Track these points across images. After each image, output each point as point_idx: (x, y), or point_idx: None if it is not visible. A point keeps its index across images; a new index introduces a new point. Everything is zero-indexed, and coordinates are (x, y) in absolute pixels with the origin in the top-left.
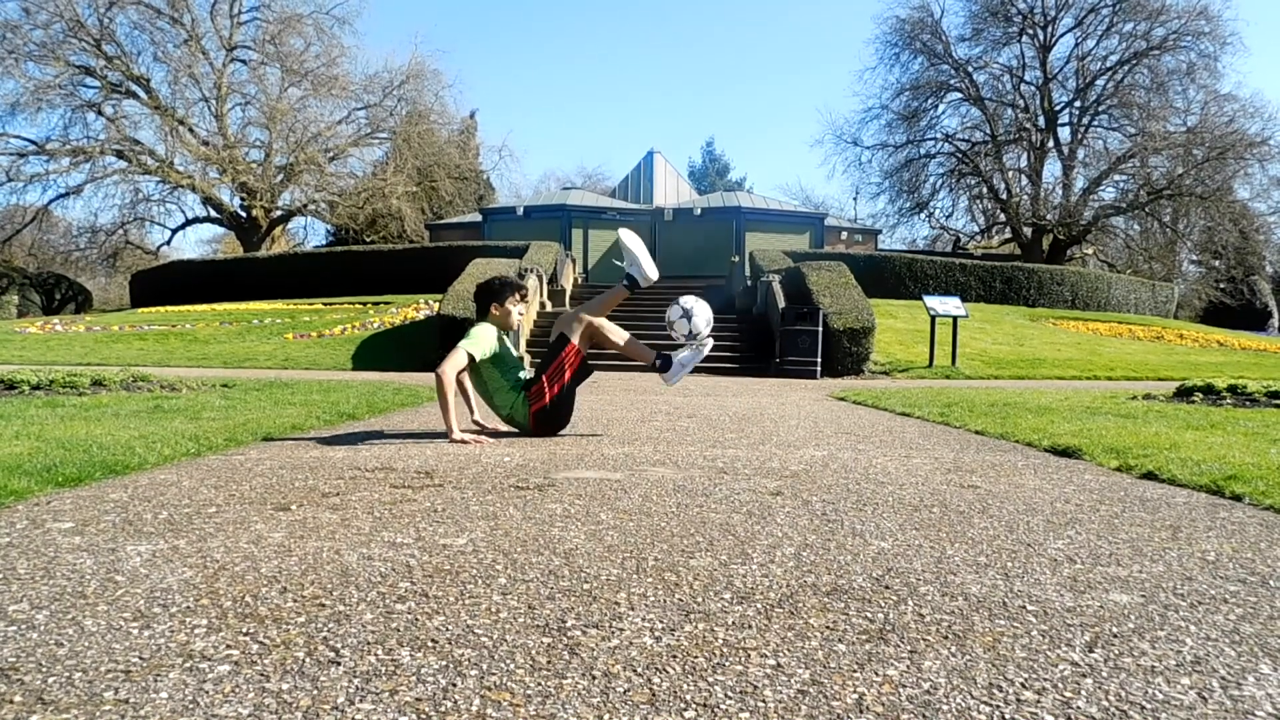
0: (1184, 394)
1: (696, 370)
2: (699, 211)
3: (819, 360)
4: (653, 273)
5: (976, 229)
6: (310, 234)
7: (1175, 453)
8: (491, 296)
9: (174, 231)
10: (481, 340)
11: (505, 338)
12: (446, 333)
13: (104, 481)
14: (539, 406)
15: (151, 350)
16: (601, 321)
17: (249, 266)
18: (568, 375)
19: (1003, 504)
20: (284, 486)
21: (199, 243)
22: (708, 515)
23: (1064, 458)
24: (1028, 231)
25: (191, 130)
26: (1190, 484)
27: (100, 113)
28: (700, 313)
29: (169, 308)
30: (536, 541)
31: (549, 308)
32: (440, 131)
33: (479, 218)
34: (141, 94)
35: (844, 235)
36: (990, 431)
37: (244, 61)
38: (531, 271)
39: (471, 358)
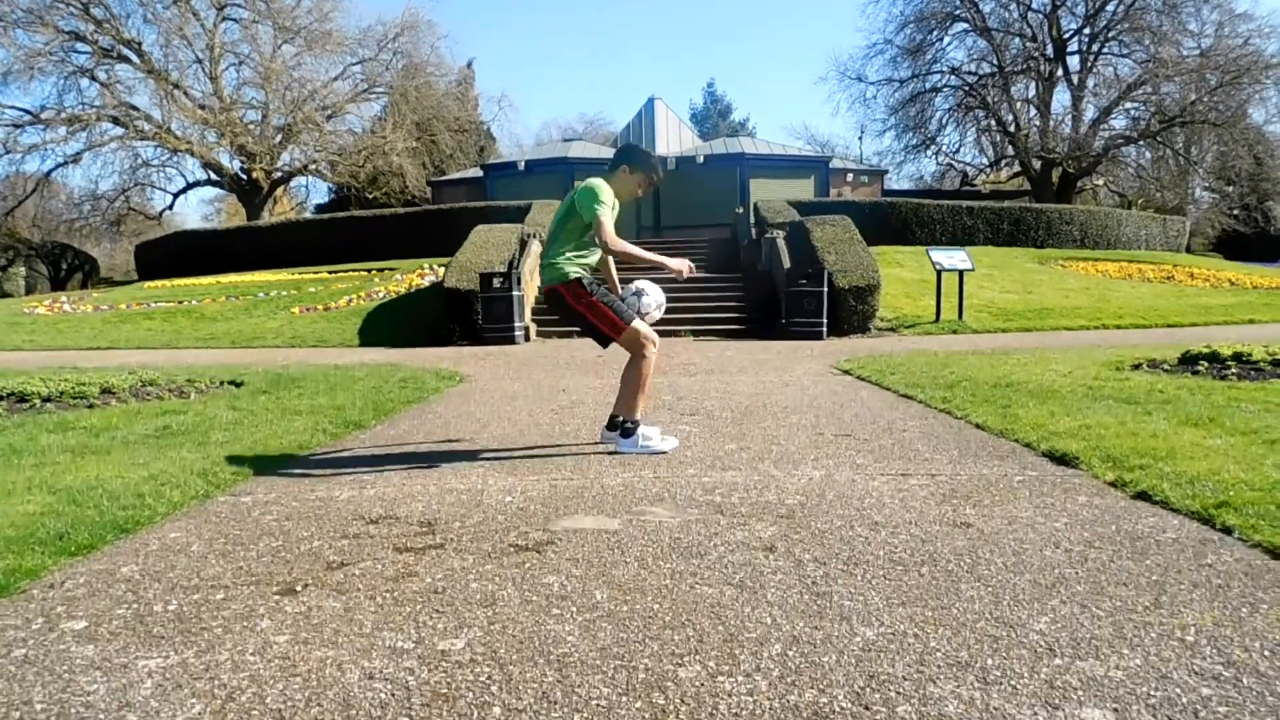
0: (1189, 362)
1: (706, 335)
2: (702, 159)
3: (824, 321)
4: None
5: (985, 163)
6: (312, 193)
7: (1171, 464)
8: (632, 160)
9: (175, 196)
10: (604, 194)
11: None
12: (452, 305)
13: (116, 545)
14: (560, 294)
15: (159, 331)
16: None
17: (252, 235)
18: (593, 319)
19: (992, 555)
20: (289, 552)
21: (202, 203)
22: (700, 591)
23: (1061, 466)
24: (1037, 165)
25: (186, 93)
26: (1182, 509)
27: (94, 78)
28: (650, 293)
29: (175, 281)
30: (532, 643)
31: None
32: (438, 84)
33: (480, 173)
34: (134, 58)
35: (849, 178)
36: (990, 426)
37: (235, 20)
38: (534, 237)
39: (608, 210)
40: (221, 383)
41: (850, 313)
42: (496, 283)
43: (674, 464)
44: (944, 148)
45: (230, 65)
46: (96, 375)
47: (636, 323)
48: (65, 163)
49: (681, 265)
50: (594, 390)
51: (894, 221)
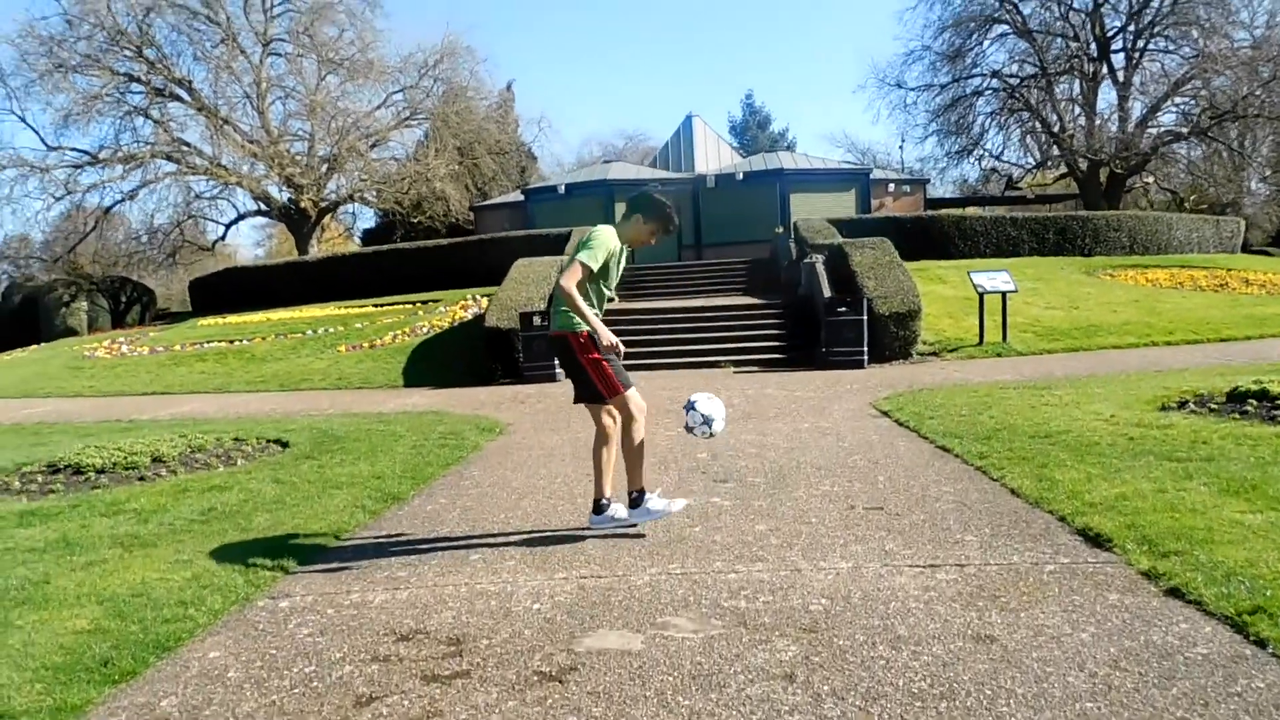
0: (1237, 399)
1: (745, 365)
2: (741, 176)
3: (865, 349)
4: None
5: (1030, 165)
6: (360, 218)
7: (1207, 551)
8: (644, 210)
9: (227, 227)
10: (599, 248)
11: (620, 258)
12: (493, 345)
13: (157, 668)
14: (569, 343)
15: (212, 373)
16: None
17: (299, 270)
18: (593, 376)
19: (1014, 685)
20: (321, 681)
21: (254, 229)
22: None
23: (1094, 549)
24: (1083, 165)
25: (236, 128)
26: (1216, 611)
27: (148, 117)
28: (718, 418)
29: (227, 318)
30: None
31: None
32: (478, 108)
33: (521, 197)
34: (185, 95)
35: (891, 188)
36: (1026, 493)
37: (281, 55)
38: (626, 255)
39: (589, 269)
40: (268, 442)
41: (892, 339)
42: (536, 320)
43: (702, 555)
44: (988, 152)
45: (277, 99)
46: (147, 441)
47: (632, 391)
48: (122, 200)
49: (612, 344)
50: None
51: (936, 235)
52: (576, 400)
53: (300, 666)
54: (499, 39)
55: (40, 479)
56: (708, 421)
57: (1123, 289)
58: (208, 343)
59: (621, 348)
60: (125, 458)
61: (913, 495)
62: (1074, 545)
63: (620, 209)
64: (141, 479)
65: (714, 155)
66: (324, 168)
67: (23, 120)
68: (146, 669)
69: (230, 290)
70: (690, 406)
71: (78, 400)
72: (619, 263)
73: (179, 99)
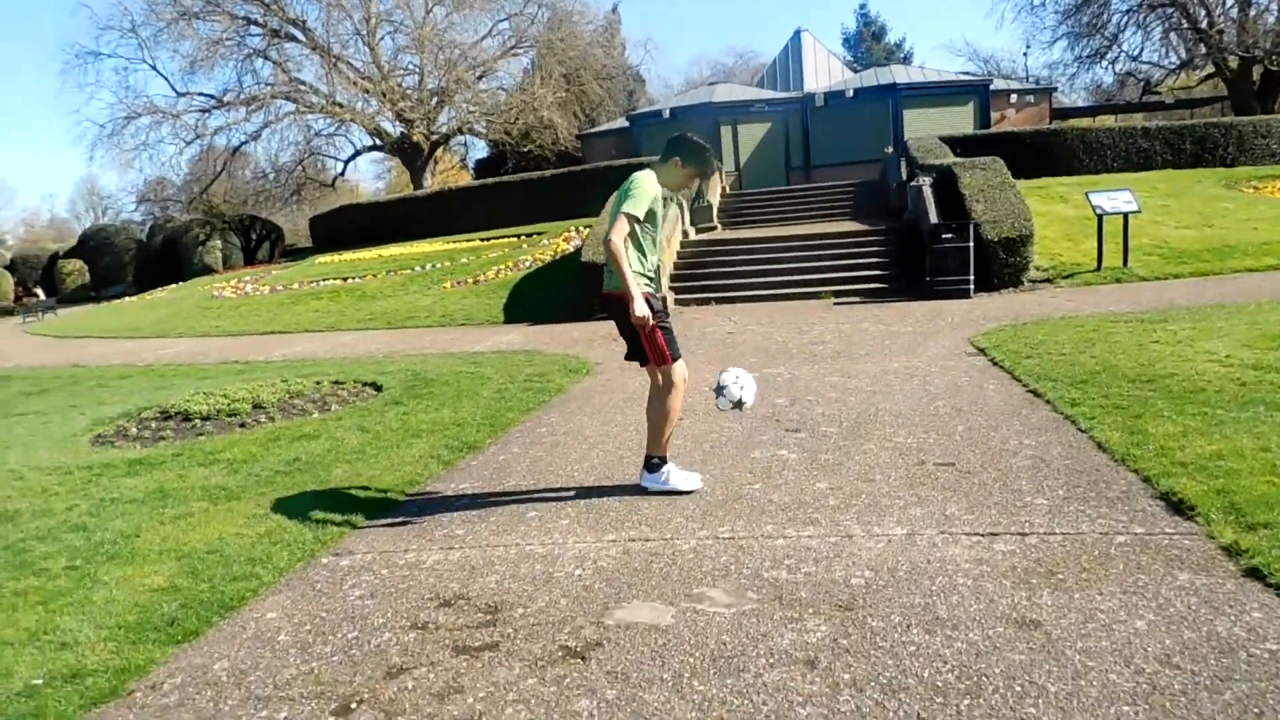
0: None
1: (847, 296)
2: (851, 93)
3: (971, 278)
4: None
5: (1172, 65)
6: (472, 150)
7: None
8: (683, 153)
9: (345, 163)
10: (642, 197)
11: (665, 201)
12: (586, 279)
13: (219, 628)
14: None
15: (325, 312)
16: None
17: (410, 206)
18: (644, 339)
19: (1047, 681)
20: (360, 649)
21: (374, 163)
22: None
23: (1175, 517)
24: (1233, 64)
25: (348, 64)
26: None
27: (266, 58)
28: (747, 400)
29: (343, 255)
30: None
31: (692, 235)
32: (583, 32)
33: (626, 123)
34: (299, 35)
35: (1013, 99)
36: (1113, 447)
37: None
38: (671, 200)
39: (635, 218)
40: (363, 385)
41: (1001, 266)
42: None
43: (756, 516)
44: (1124, 53)
45: (386, 34)
46: (251, 388)
47: (680, 362)
48: (247, 140)
49: (643, 318)
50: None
51: (1059, 150)
52: (628, 358)
53: (344, 632)
54: None
55: (154, 425)
56: (739, 404)
57: (1268, 204)
58: (323, 280)
59: (651, 321)
60: (229, 405)
61: (990, 449)
62: (1153, 512)
63: (726, 132)
64: (242, 425)
65: (824, 72)
66: (434, 100)
67: (154, 68)
68: (209, 629)
69: (346, 226)
70: (720, 390)
71: (205, 340)
72: (665, 207)
73: (294, 39)
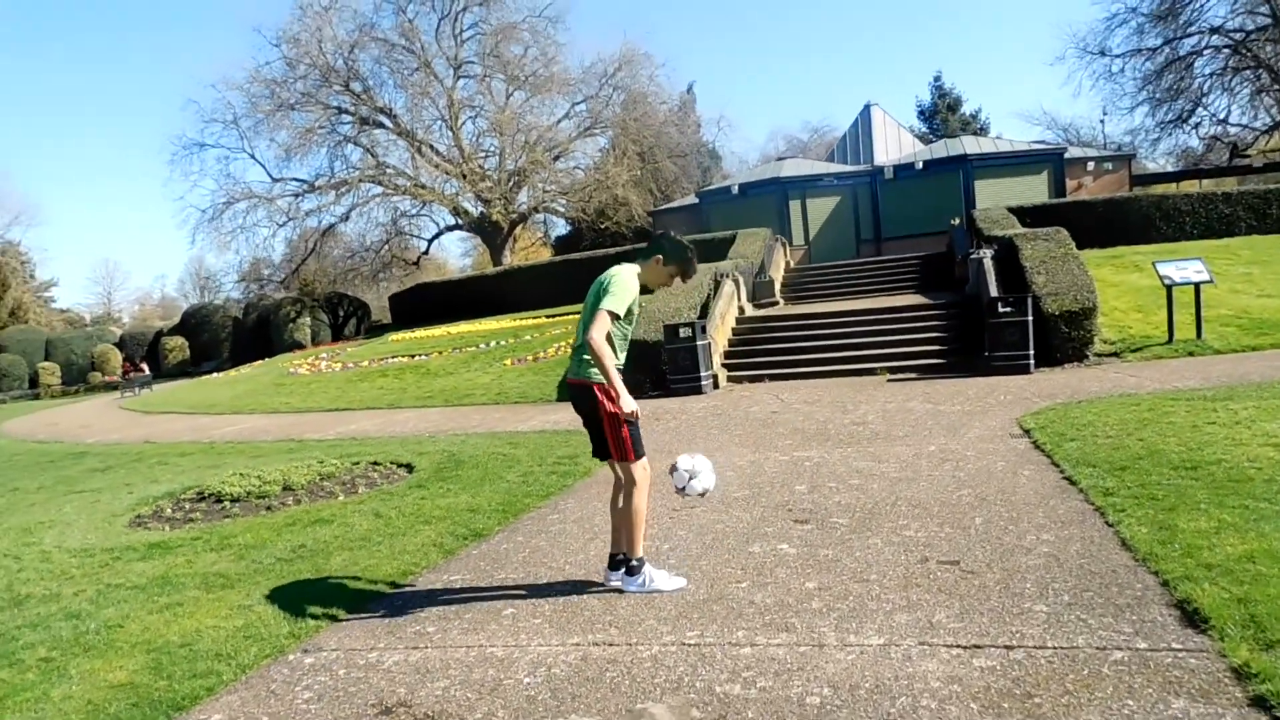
0: None
1: (902, 372)
2: (921, 165)
3: (1030, 353)
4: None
5: (1263, 128)
6: (553, 227)
7: None
8: (664, 251)
9: (429, 242)
10: (623, 293)
11: (637, 300)
12: (640, 358)
13: None
14: (593, 393)
15: (389, 389)
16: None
17: (481, 284)
18: (609, 432)
19: None
20: None
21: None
22: None
23: (1187, 629)
24: None
25: (433, 149)
26: None
27: (356, 144)
28: (704, 479)
29: (415, 332)
30: None
31: (748, 311)
32: (658, 112)
33: (695, 200)
34: (387, 122)
35: (1090, 166)
36: (1137, 545)
37: (470, 76)
38: (727, 277)
39: (615, 315)
40: (396, 466)
41: (1063, 340)
42: (682, 333)
43: (730, 620)
44: (1210, 114)
45: (468, 118)
46: (286, 468)
47: (644, 460)
48: (336, 222)
49: (632, 413)
50: (736, 470)
51: (1134, 218)
52: (594, 454)
53: None
54: (676, 46)
55: (188, 506)
56: (692, 476)
57: None
58: (391, 358)
59: (638, 414)
60: (259, 487)
61: (1002, 546)
62: (1162, 623)
63: (795, 206)
64: (268, 508)
65: (894, 144)
66: (512, 181)
67: (252, 156)
68: None
69: (422, 303)
70: (674, 475)
71: (272, 417)
72: (637, 304)
73: (382, 125)
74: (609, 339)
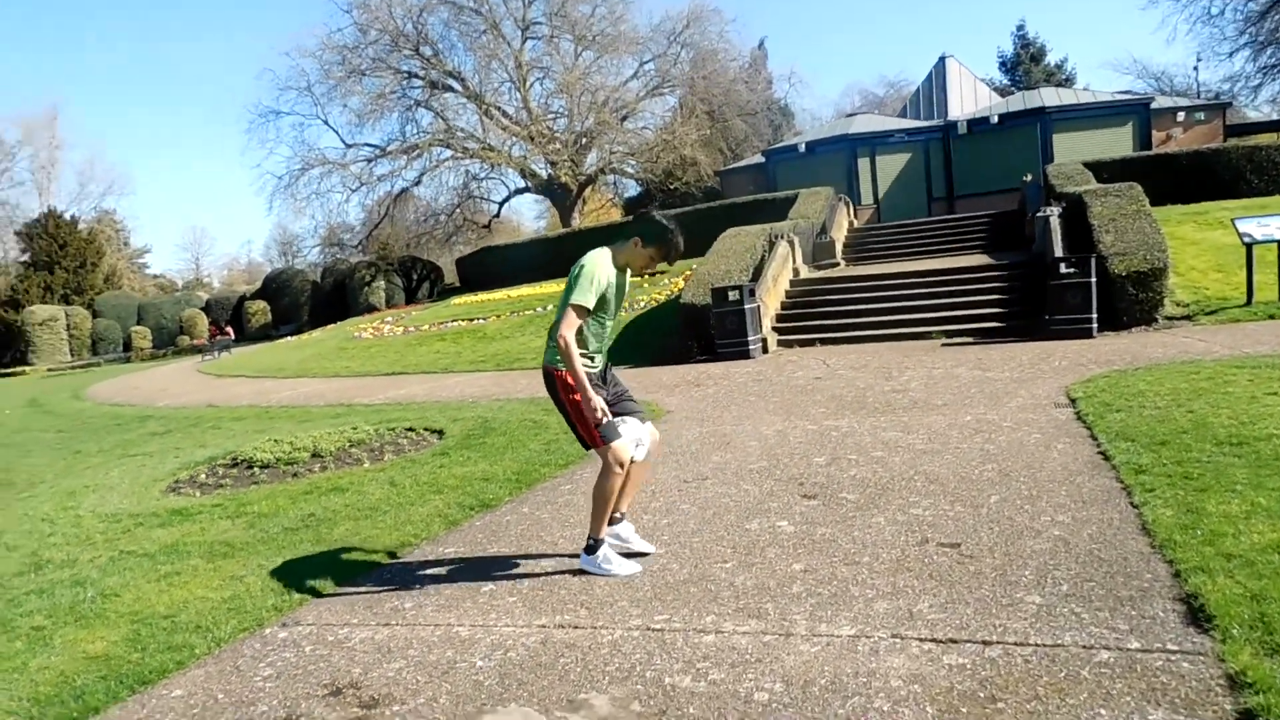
0: None
1: (958, 335)
2: (996, 119)
3: (1094, 316)
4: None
5: None
6: (623, 188)
7: None
8: (643, 232)
9: (500, 205)
10: (590, 285)
11: (622, 282)
12: (688, 321)
13: (117, 708)
14: (555, 379)
15: (444, 353)
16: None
17: (543, 247)
18: (575, 419)
19: None
20: None
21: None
22: None
23: (1188, 627)
24: None
25: (501, 111)
26: None
27: (427, 108)
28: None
29: (478, 295)
30: None
31: (803, 273)
32: (727, 69)
33: (762, 159)
34: (456, 86)
35: (1180, 116)
36: (1157, 529)
37: (538, 37)
38: (782, 238)
39: (585, 310)
40: (431, 432)
41: (1130, 303)
42: (731, 296)
43: (703, 603)
44: None
45: (536, 80)
46: (318, 434)
47: (617, 443)
48: (409, 186)
49: (598, 413)
50: (761, 440)
51: (1221, 171)
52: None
53: (226, 718)
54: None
55: (220, 472)
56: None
57: None
58: (451, 321)
59: (606, 416)
60: (289, 453)
61: (1012, 528)
62: (1162, 620)
63: (864, 164)
64: (295, 475)
65: (969, 98)
66: (579, 142)
67: (325, 123)
68: (111, 706)
69: (487, 267)
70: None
71: (331, 380)
72: (618, 289)
73: (451, 89)
74: (580, 332)
